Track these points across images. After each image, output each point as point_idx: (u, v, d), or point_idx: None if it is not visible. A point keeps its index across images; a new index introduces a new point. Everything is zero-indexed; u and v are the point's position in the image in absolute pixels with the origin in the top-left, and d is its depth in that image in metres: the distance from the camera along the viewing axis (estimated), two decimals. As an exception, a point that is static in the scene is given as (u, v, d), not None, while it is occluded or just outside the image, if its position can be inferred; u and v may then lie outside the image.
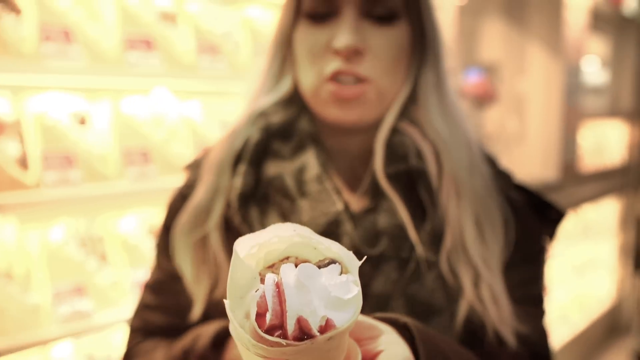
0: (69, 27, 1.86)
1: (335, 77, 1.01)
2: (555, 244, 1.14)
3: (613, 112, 5.12)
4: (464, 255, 1.01)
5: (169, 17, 2.12)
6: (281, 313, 0.58)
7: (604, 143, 4.91)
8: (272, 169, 1.06)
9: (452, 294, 1.00)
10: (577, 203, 4.20)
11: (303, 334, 0.57)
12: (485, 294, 1.00)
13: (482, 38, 5.15)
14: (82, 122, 1.93)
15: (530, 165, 3.90)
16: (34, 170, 1.82)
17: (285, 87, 1.10)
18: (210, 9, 2.28)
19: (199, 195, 1.08)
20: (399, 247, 1.00)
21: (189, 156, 2.05)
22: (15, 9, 1.70)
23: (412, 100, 1.08)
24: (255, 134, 1.07)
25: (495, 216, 1.05)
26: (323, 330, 0.58)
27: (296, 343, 0.57)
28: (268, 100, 1.10)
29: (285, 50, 1.10)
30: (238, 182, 1.05)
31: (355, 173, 1.09)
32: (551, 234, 1.13)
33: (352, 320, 0.59)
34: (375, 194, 1.04)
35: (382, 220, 1.01)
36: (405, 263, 1.00)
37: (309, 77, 1.05)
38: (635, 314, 4.46)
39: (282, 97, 1.10)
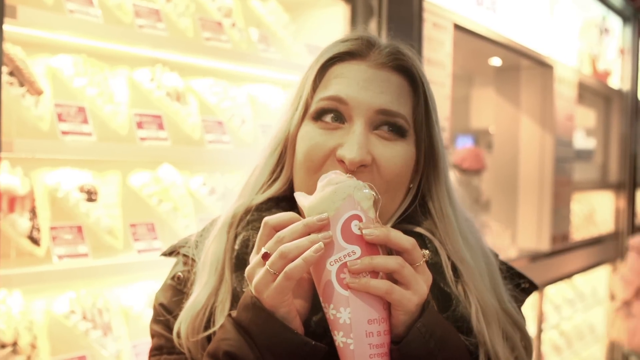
0: (83, 106, 1.93)
1: None
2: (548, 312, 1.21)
3: (602, 181, 5.22)
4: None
5: (177, 95, 2.20)
6: None
7: (594, 213, 5.00)
8: None
9: None
10: (569, 272, 4.25)
11: None
12: None
13: (474, 106, 5.27)
14: (92, 195, 1.98)
15: (523, 235, 3.96)
16: (44, 244, 1.86)
17: (279, 185, 1.10)
18: (216, 87, 2.36)
19: (201, 294, 1.06)
20: None
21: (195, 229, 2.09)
22: (38, 91, 1.76)
23: (421, 211, 1.10)
24: (254, 236, 1.04)
25: (516, 320, 1.09)
26: None
27: None
28: (261, 197, 1.10)
29: (284, 147, 1.10)
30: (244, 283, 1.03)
31: None
32: (522, 303, 1.18)
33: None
34: None
35: None
36: None
37: (306, 182, 1.03)
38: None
39: (276, 194, 1.10)
